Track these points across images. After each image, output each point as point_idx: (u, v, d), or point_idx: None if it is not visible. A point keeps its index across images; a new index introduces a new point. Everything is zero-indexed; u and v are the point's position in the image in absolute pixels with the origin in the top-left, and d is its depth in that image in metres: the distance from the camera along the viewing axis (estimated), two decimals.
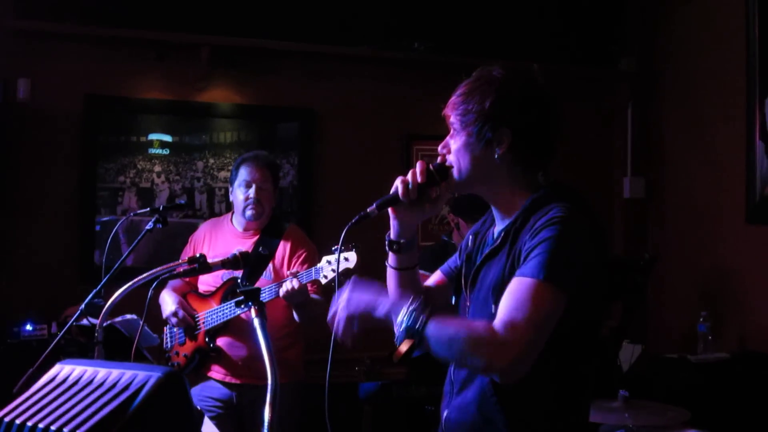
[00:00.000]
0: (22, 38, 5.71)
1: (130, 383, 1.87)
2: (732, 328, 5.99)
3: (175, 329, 4.79)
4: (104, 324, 4.12)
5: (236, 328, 4.68)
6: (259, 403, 4.67)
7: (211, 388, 4.68)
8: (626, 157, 7.03)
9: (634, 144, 7.00)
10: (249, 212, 4.73)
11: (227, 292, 4.71)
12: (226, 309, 4.62)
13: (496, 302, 2.30)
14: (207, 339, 4.69)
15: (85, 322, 4.30)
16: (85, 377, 1.99)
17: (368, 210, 2.51)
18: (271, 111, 6.34)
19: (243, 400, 4.67)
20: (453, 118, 2.51)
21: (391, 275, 2.64)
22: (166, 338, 4.85)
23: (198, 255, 3.48)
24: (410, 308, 2.28)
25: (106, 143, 5.95)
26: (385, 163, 6.60)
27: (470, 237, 2.67)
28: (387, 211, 2.61)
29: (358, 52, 6.37)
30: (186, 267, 3.47)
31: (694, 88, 6.59)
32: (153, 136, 6.02)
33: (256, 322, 2.17)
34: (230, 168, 5.95)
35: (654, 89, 6.95)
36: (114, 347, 3.73)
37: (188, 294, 4.81)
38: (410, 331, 2.29)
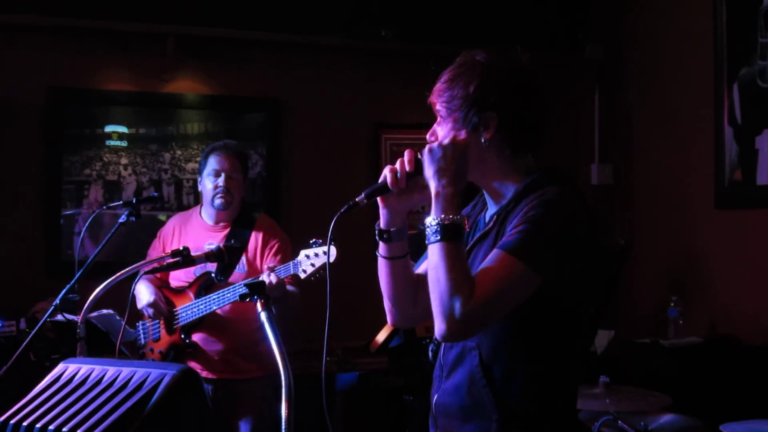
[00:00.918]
0: None
1: (143, 382, 1.83)
2: (701, 312, 6.03)
3: (149, 324, 4.73)
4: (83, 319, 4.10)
5: (212, 323, 4.64)
6: (235, 396, 4.66)
7: None
8: (593, 144, 7.04)
9: (602, 131, 7.02)
10: (218, 201, 4.69)
11: (201, 286, 4.66)
12: (201, 304, 4.57)
13: None
14: (182, 335, 4.64)
15: (59, 317, 4.24)
16: (92, 377, 1.94)
17: (357, 199, 2.48)
18: (238, 101, 6.29)
19: (219, 394, 4.63)
20: (439, 106, 2.48)
21: (381, 265, 2.61)
22: (140, 334, 4.78)
23: (182, 248, 3.42)
24: (444, 218, 2.27)
25: (71, 136, 5.86)
26: (353, 153, 6.58)
27: None
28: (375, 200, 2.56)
29: (325, 40, 6.31)
30: (170, 260, 3.41)
31: (661, 74, 6.61)
32: (110, 128, 5.92)
33: (263, 316, 2.13)
34: (198, 159, 5.91)
35: (621, 76, 6.97)
36: (89, 343, 3.66)
37: (162, 288, 4.75)
38: (429, 232, 2.29)
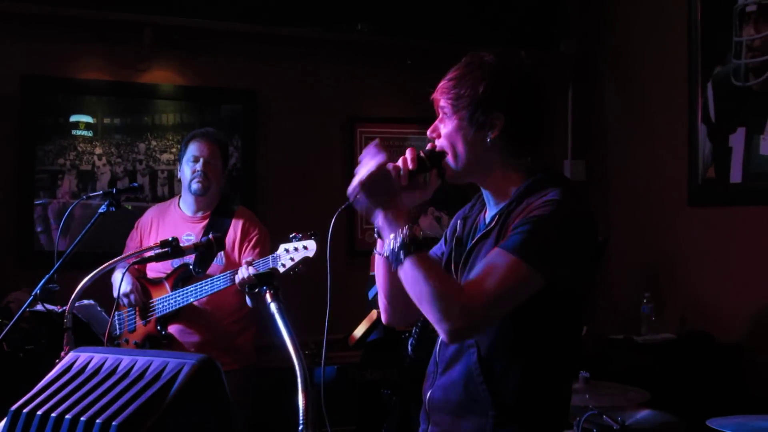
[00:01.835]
0: None
1: (161, 372, 1.81)
2: (674, 309, 6.08)
3: (124, 315, 4.70)
4: (61, 309, 4.06)
5: (189, 315, 4.62)
6: None
7: None
8: (566, 140, 7.07)
9: (575, 127, 7.05)
10: (195, 186, 4.68)
11: (179, 278, 4.64)
12: (179, 296, 4.55)
13: None
14: (158, 326, 4.61)
15: (39, 307, 4.20)
16: (106, 366, 1.92)
17: None
18: (214, 92, 6.25)
19: None
20: (443, 103, 2.49)
21: (379, 262, 2.61)
22: (115, 324, 4.74)
23: (171, 239, 3.40)
24: (402, 234, 2.28)
25: (45, 125, 5.79)
26: (328, 146, 6.57)
27: (458, 221, 2.68)
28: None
29: (302, 33, 6.29)
30: (158, 251, 3.38)
31: (635, 72, 6.65)
32: (75, 118, 5.86)
33: (273, 307, 2.11)
34: (173, 150, 5.90)
35: (595, 72, 7.00)
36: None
37: (139, 279, 4.72)
38: (392, 255, 2.29)
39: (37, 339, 4.42)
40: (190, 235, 4.67)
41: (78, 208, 5.66)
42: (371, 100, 6.70)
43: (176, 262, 4.60)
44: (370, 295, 4.87)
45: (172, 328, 4.63)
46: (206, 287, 4.45)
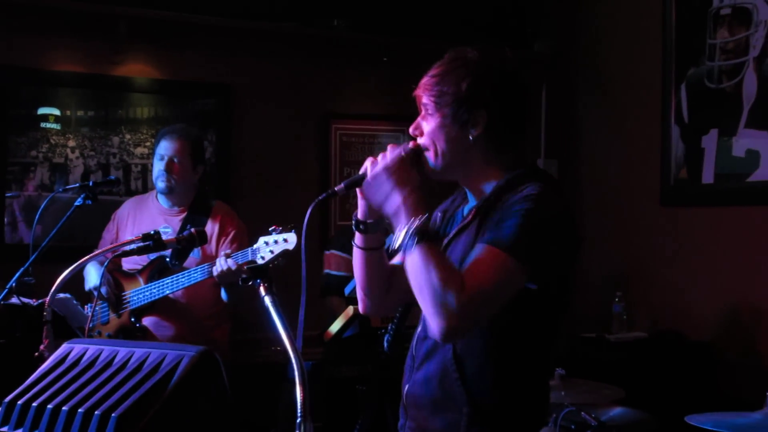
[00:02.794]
0: None
1: (159, 364, 1.80)
2: (644, 307, 6.13)
3: (98, 307, 4.67)
4: (37, 302, 4.04)
5: (164, 307, 4.59)
6: None
7: None
8: (539, 139, 7.10)
9: (548, 126, 7.08)
10: (160, 185, 4.68)
11: (154, 271, 4.61)
12: (154, 288, 4.52)
13: None
14: (132, 318, 4.59)
15: (14, 300, 4.17)
16: (102, 358, 1.91)
17: (336, 188, 2.47)
18: (189, 86, 6.20)
19: None
20: (426, 100, 2.46)
21: (357, 255, 2.60)
22: (87, 316, 4.71)
23: (153, 232, 3.38)
24: (420, 220, 2.26)
25: (18, 116, 5.72)
26: (303, 141, 6.56)
27: (438, 214, 2.67)
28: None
29: (278, 28, 6.26)
30: (140, 244, 3.36)
31: (609, 72, 6.69)
32: (43, 110, 5.80)
33: (267, 300, 2.09)
34: (147, 144, 5.89)
35: (569, 72, 7.03)
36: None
37: (113, 271, 4.69)
38: (405, 240, 2.26)
39: (11, 333, 4.37)
40: (167, 227, 4.65)
41: (39, 200, 5.61)
42: (347, 96, 6.69)
43: (152, 255, 4.57)
44: (347, 290, 4.88)
45: (147, 321, 4.61)
46: (183, 279, 4.43)
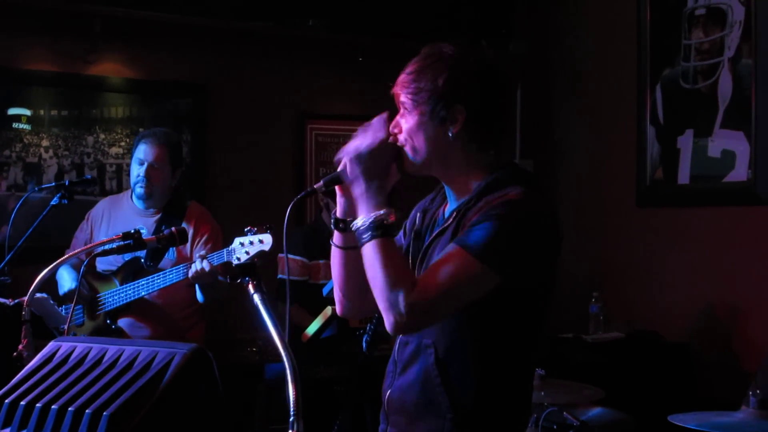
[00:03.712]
0: None
1: (151, 362, 1.78)
2: (621, 308, 6.14)
3: (72, 308, 4.62)
4: (13, 302, 3.99)
5: (139, 308, 4.56)
6: None
7: None
8: (514, 139, 7.10)
9: (523, 127, 7.07)
10: (138, 190, 4.64)
11: (129, 272, 4.57)
12: (129, 290, 4.48)
13: None
14: (108, 320, 4.55)
15: None
16: (91, 356, 1.88)
17: (315, 186, 2.45)
18: (164, 86, 6.17)
19: None
20: (404, 97, 2.42)
21: (335, 254, 2.57)
22: (61, 318, 4.67)
23: (133, 231, 3.34)
24: (377, 214, 2.28)
25: None
26: (278, 141, 6.54)
27: (418, 214, 2.64)
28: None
29: (253, 27, 6.24)
30: (120, 243, 3.32)
31: (584, 72, 6.70)
32: (13, 111, 5.74)
33: (257, 298, 2.07)
34: (122, 144, 5.84)
35: (544, 72, 7.04)
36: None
37: (87, 273, 4.64)
38: (359, 233, 2.30)
39: None
40: (142, 228, 4.61)
41: (12, 200, 5.57)
42: (322, 96, 6.68)
43: (127, 256, 4.53)
44: (325, 291, 4.85)
45: (122, 322, 4.57)
46: (158, 281, 4.39)
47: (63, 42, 5.85)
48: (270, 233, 4.11)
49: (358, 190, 2.34)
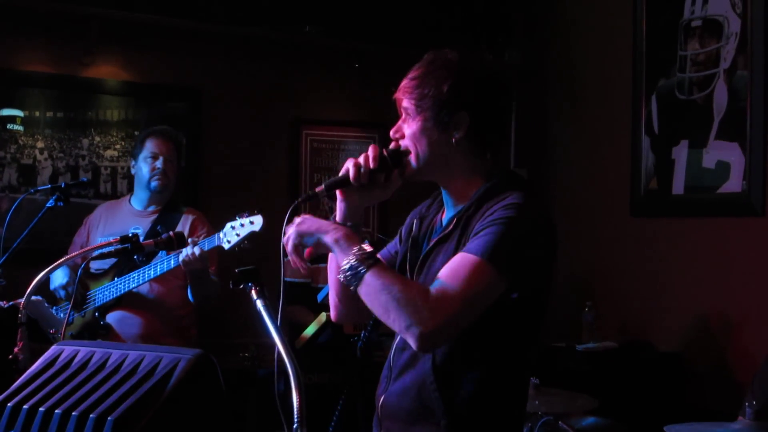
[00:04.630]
0: None
1: (155, 367, 1.77)
2: (614, 317, 6.15)
3: (66, 307, 4.63)
4: (7, 304, 3.98)
5: (130, 304, 4.57)
6: None
7: None
8: (509, 148, 7.10)
9: (518, 135, 7.08)
10: (155, 182, 4.70)
11: (121, 269, 4.58)
12: (120, 284, 4.49)
13: None
14: (97, 314, 4.55)
15: None
16: (94, 360, 1.87)
17: (316, 190, 2.46)
18: (160, 89, 6.15)
19: None
20: (407, 103, 2.44)
21: (332, 259, 2.58)
22: (51, 315, 4.67)
23: (130, 233, 3.35)
24: (357, 251, 2.26)
25: None
26: (273, 146, 6.53)
27: (415, 221, 2.64)
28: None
29: (250, 32, 6.23)
30: (117, 247, 3.32)
31: (580, 82, 6.71)
32: (6, 112, 5.72)
33: (259, 303, 2.06)
34: (117, 147, 5.81)
35: (539, 82, 7.04)
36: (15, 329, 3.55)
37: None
38: (351, 272, 2.25)
39: None
40: (137, 228, 4.63)
41: (5, 201, 5.56)
42: (318, 102, 6.67)
43: None
44: (320, 297, 4.85)
45: (112, 317, 4.59)
46: (149, 272, 4.40)
47: (59, 44, 5.83)
48: (260, 215, 4.12)
49: (334, 235, 2.35)
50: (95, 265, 4.68)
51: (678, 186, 5.80)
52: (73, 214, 5.07)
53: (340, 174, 2.44)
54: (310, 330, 4.96)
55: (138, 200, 4.77)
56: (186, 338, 4.74)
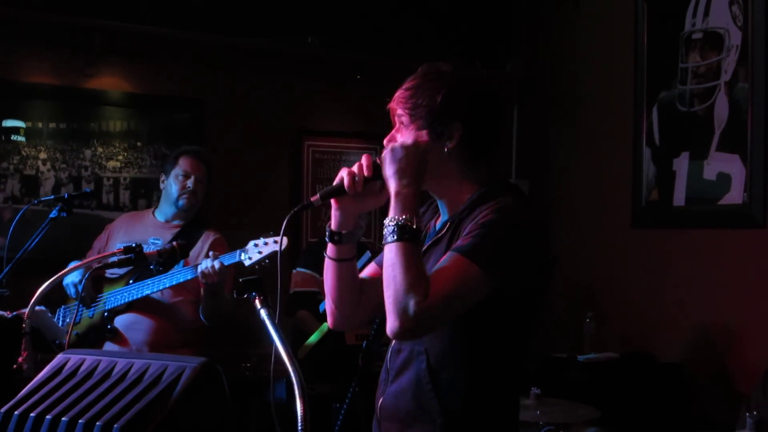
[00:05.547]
0: None
1: (161, 375, 1.78)
2: (615, 328, 6.16)
3: (72, 309, 4.64)
4: (12, 314, 3.99)
5: (140, 307, 4.57)
6: None
7: None
8: (511, 159, 7.12)
9: (519, 146, 7.10)
10: (183, 201, 4.72)
11: (136, 275, 4.58)
12: (134, 289, 4.50)
13: None
14: (106, 315, 4.56)
15: None
16: (100, 369, 1.88)
17: (312, 199, 2.48)
18: (162, 101, 6.16)
19: None
20: (401, 112, 2.46)
21: (329, 266, 2.60)
22: (59, 317, 4.69)
23: (134, 244, 3.36)
24: (405, 218, 2.28)
25: None
26: (275, 158, 6.55)
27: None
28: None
29: (252, 44, 6.26)
30: (121, 257, 3.34)
31: (581, 94, 6.73)
32: (8, 123, 5.74)
33: (263, 313, 2.07)
34: (119, 158, 5.83)
35: (540, 93, 7.07)
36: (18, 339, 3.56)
37: (96, 277, 4.68)
38: (389, 231, 2.28)
39: None
40: (158, 240, 4.65)
41: (8, 212, 5.58)
42: (320, 113, 6.69)
43: None
44: (322, 308, 4.87)
45: (120, 321, 4.58)
46: (165, 280, 4.41)
47: (62, 55, 5.84)
48: (284, 236, 4.14)
49: (393, 188, 2.35)
50: (110, 270, 4.70)
51: (679, 197, 5.81)
52: (75, 225, 5.08)
53: (335, 183, 2.46)
54: (312, 339, 4.96)
55: (162, 214, 4.81)
56: (193, 350, 4.75)
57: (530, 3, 7.22)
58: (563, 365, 5.75)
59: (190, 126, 6.22)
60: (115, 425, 1.68)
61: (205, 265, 4.22)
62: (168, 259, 3.50)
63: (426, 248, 2.49)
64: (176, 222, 4.77)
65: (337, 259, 2.57)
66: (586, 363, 5.70)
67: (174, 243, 3.45)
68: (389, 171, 2.36)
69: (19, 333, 3.30)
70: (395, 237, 2.26)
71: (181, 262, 4.54)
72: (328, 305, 2.67)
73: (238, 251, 4.26)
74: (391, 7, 6.72)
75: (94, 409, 1.74)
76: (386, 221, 2.30)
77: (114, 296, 4.56)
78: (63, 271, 3.35)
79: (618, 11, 6.38)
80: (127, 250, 3.30)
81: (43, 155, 5.77)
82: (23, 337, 3.22)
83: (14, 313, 4.06)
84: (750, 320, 5.33)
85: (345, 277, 2.58)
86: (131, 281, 4.56)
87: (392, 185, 2.34)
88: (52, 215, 4.36)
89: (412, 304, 2.18)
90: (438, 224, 2.55)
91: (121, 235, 4.75)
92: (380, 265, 2.69)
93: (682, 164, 5.80)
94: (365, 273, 2.70)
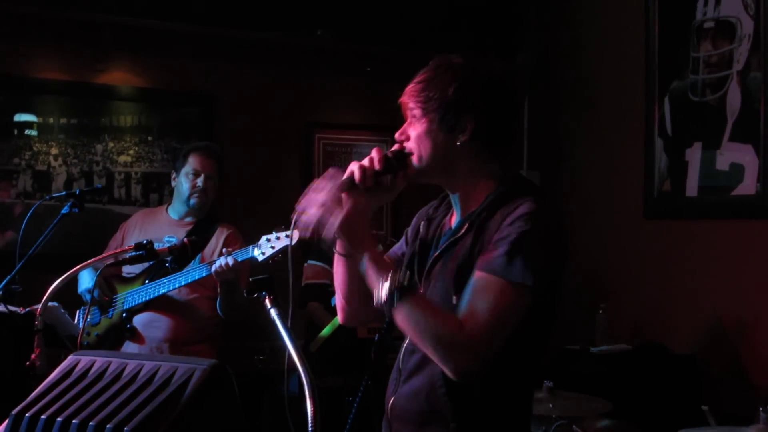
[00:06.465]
0: None
1: (171, 377, 1.78)
2: (628, 319, 6.14)
3: (88, 309, 4.67)
4: (25, 310, 4.00)
5: (158, 305, 4.60)
6: None
7: None
8: (522, 151, 7.10)
9: (530, 137, 7.08)
10: (194, 200, 4.73)
11: (152, 274, 4.60)
12: (150, 288, 4.53)
13: (458, 293, 2.30)
14: (125, 315, 4.58)
15: (1, 308, 4.12)
16: (110, 371, 1.88)
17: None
18: (172, 95, 6.19)
19: None
20: (412, 105, 2.46)
21: (339, 261, 2.58)
22: (78, 318, 4.71)
23: (145, 241, 3.37)
24: (391, 278, 2.26)
25: (1, 123, 5.67)
26: (286, 151, 6.55)
27: (422, 223, 2.66)
28: None
29: (261, 37, 6.26)
30: (132, 254, 3.34)
31: (593, 84, 6.70)
32: (20, 117, 5.75)
33: (273, 312, 2.07)
34: (130, 152, 5.84)
35: (552, 84, 7.04)
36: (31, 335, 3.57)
37: (111, 277, 4.69)
38: (389, 299, 2.25)
39: None
40: (172, 237, 4.66)
41: (21, 208, 5.60)
42: (330, 106, 6.69)
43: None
44: (333, 301, 4.86)
45: (138, 320, 4.61)
46: (180, 278, 4.43)
47: (72, 51, 5.87)
48: (297, 232, 4.14)
49: (361, 264, 2.36)
50: (126, 269, 4.72)
51: (691, 188, 5.78)
52: (87, 220, 5.09)
53: (345, 177, 2.44)
54: (325, 333, 4.96)
55: (175, 212, 4.83)
56: (212, 345, 4.77)
57: None
58: (576, 357, 5.73)
59: (201, 120, 6.23)
60: (125, 428, 1.68)
61: (219, 262, 4.24)
62: (180, 255, 3.50)
63: (444, 248, 2.46)
64: (189, 219, 4.78)
65: (347, 255, 2.54)
66: (599, 355, 5.68)
67: (185, 239, 3.44)
68: (346, 250, 2.41)
69: (32, 329, 3.31)
70: (399, 298, 2.25)
71: (197, 259, 4.55)
72: (338, 301, 2.67)
73: (250, 247, 4.26)
74: None
75: (105, 412, 1.74)
76: (375, 294, 2.30)
77: (131, 296, 4.58)
78: (76, 268, 3.35)
79: (629, 0, 6.34)
80: (138, 246, 3.30)
81: (54, 151, 5.79)
82: (36, 334, 3.22)
83: (27, 310, 4.08)
84: (764, 311, 5.30)
85: (355, 273, 2.54)
86: (147, 281, 4.57)
87: (358, 254, 2.37)
88: (63, 211, 4.36)
89: (455, 338, 2.19)
90: (454, 223, 2.52)
91: (136, 234, 4.76)
92: (392, 259, 2.69)
93: (694, 154, 5.76)
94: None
